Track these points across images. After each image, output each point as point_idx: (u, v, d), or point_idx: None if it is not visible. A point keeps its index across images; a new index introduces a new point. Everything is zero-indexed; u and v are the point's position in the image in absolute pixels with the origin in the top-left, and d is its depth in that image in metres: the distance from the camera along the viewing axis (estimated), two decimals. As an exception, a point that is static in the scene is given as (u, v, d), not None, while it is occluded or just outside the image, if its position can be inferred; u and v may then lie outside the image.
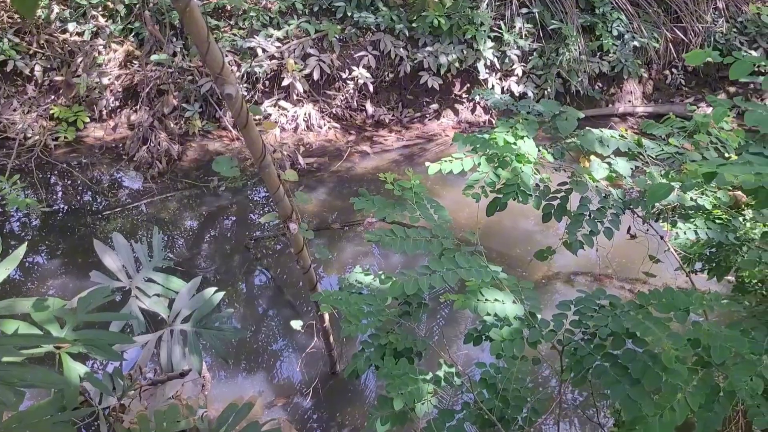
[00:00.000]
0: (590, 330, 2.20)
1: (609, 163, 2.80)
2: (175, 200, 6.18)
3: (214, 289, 3.28)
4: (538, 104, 2.94)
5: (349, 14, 7.56)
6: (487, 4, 7.72)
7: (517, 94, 7.66)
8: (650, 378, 2.00)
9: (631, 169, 2.80)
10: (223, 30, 7.38)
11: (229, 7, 7.54)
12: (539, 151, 2.71)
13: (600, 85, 8.10)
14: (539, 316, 2.28)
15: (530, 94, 7.65)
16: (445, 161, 2.61)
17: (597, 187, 2.74)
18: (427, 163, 2.64)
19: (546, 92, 7.75)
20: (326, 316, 3.47)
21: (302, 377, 4.08)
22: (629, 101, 8.22)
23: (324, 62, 7.31)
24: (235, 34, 7.30)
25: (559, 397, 2.41)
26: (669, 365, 1.84)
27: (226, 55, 7.11)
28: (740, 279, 3.29)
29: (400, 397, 2.26)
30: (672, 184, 2.05)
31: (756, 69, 2.31)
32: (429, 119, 7.86)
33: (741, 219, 2.93)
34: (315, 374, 4.03)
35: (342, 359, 4.05)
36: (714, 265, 3.29)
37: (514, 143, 2.63)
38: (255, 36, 7.27)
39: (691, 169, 1.73)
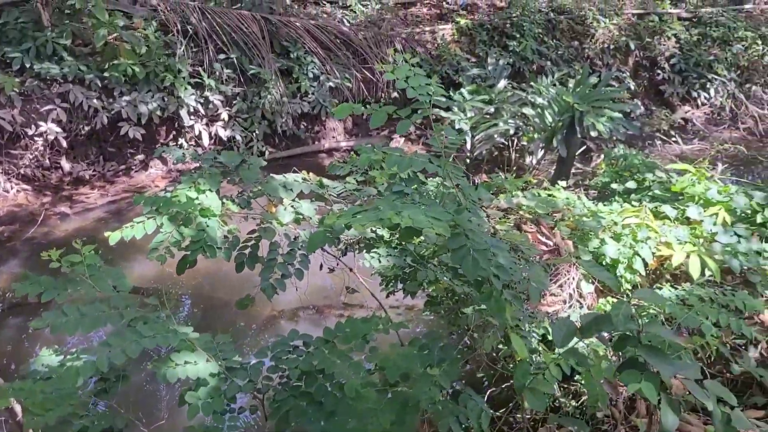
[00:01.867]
0: (286, 373, 2.28)
1: (294, 207, 2.93)
2: None
3: None
4: (221, 156, 2.98)
5: (28, 65, 6.87)
6: (184, 51, 7.64)
7: (225, 139, 7.69)
8: (342, 409, 2.12)
9: (316, 208, 2.97)
10: None
11: None
12: (224, 203, 2.73)
13: (305, 124, 8.53)
14: (261, 369, 2.29)
15: (238, 137, 7.74)
16: (127, 227, 2.49)
17: (286, 231, 2.85)
18: (107, 233, 2.49)
19: (254, 134, 7.92)
20: (17, 409, 3.06)
21: (1, 484, 3.53)
22: (333, 137, 8.79)
23: (3, 119, 6.54)
24: None
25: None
26: (351, 395, 1.97)
27: None
28: (431, 293, 3.69)
29: (96, 488, 2.08)
30: (327, 231, 2.23)
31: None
32: (136, 171, 7.49)
33: (417, 243, 3.28)
34: (17, 477, 3.52)
35: (49, 452, 3.60)
36: (407, 283, 3.65)
37: (197, 198, 2.62)
38: None
39: (330, 220, 1.89)
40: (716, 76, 10.39)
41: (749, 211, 3.87)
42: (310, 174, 3.18)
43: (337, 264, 3.19)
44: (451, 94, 7.31)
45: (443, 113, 7.11)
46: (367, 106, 2.31)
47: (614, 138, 7.32)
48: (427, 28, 9.29)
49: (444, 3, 10.13)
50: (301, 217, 2.93)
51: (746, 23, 11.44)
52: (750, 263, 3.38)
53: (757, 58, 10.85)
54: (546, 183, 6.40)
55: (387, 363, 2.07)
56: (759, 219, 3.76)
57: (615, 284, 2.04)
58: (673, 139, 9.07)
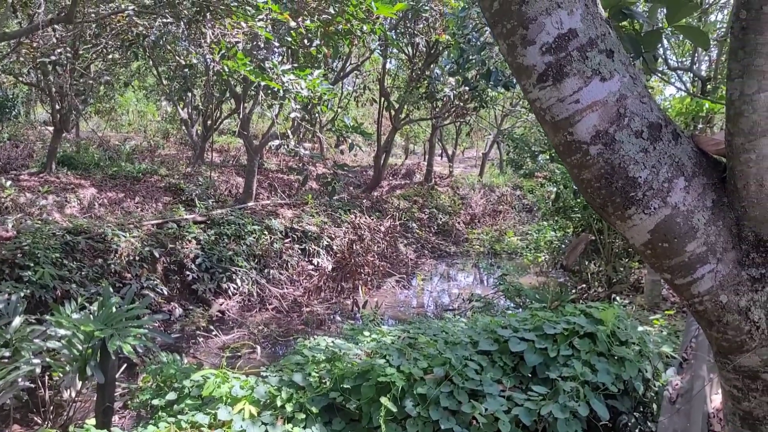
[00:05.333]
0: None
1: None
2: None
3: None
4: None
5: None
6: None
7: None
8: None
9: None
10: None
11: None
12: None
13: None
14: None
15: None
16: None
17: None
18: None
19: None
20: None
21: None
22: None
23: None
24: None
25: None
26: None
27: None
28: None
29: None
30: None
31: None
32: None
33: None
34: None
35: None
36: None
37: None
38: None
39: None
40: (239, 268, 11.56)
41: (270, 398, 4.25)
42: None
43: None
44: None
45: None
46: None
47: (153, 350, 7.31)
48: None
49: (-66, 242, 8.92)
50: None
51: (252, 218, 13.22)
52: (278, 448, 3.66)
53: (267, 246, 12.54)
54: (91, 414, 5.91)
55: None
56: (279, 402, 4.16)
57: None
58: (214, 333, 9.57)
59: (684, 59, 13.29)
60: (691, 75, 11.49)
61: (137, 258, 10.44)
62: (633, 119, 1.70)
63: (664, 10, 2.19)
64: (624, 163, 1.69)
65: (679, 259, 1.73)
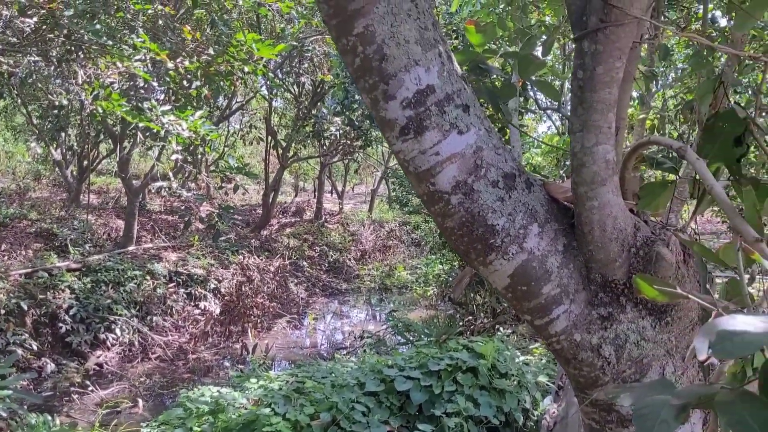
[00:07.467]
0: None
1: None
2: None
3: None
4: None
5: None
6: None
7: None
8: None
9: None
10: None
11: None
12: None
13: None
14: None
15: None
16: None
17: None
18: None
19: None
20: None
21: None
22: None
23: None
24: None
25: None
26: None
27: None
28: None
29: None
30: None
31: None
32: None
33: None
34: None
35: None
36: None
37: None
38: None
39: None
40: (118, 316, 10.92)
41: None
42: None
43: None
44: None
45: None
46: None
47: (20, 413, 6.72)
48: None
49: None
50: None
51: (133, 263, 12.59)
52: None
53: (150, 291, 11.97)
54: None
55: None
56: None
57: None
58: (90, 388, 8.95)
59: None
60: (560, 115, 12.30)
61: (2, 312, 9.62)
62: (489, 170, 1.79)
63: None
64: (483, 211, 1.77)
65: (537, 301, 1.82)
